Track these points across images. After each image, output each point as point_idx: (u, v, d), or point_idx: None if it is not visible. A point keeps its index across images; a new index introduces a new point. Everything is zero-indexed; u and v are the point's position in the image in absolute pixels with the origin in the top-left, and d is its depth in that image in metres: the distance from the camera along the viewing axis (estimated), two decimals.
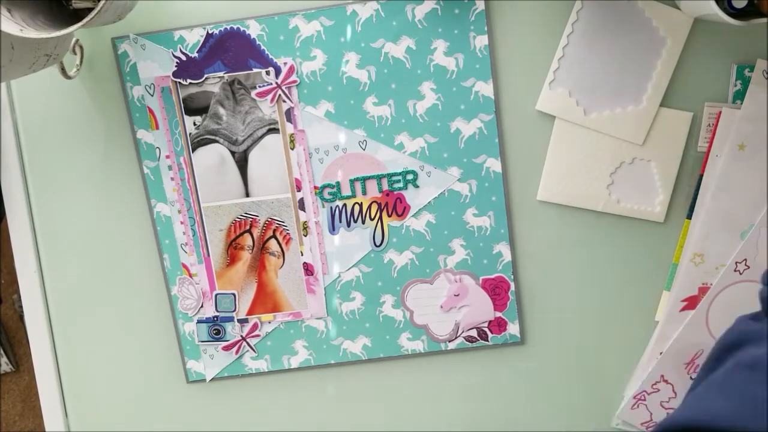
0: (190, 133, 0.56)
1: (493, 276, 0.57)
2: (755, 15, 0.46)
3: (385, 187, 0.56)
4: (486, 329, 0.57)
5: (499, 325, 0.57)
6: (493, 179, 0.55)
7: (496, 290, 0.57)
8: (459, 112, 0.55)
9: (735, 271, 0.54)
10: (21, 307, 1.36)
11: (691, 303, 0.55)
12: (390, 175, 0.56)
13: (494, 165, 0.55)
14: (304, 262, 0.57)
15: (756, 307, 0.43)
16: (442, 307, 0.57)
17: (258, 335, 0.58)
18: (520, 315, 0.57)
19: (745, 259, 0.53)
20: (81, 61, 0.55)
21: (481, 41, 0.54)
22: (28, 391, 1.43)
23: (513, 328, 0.57)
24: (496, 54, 0.54)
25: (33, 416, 1.43)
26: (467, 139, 0.55)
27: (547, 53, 0.54)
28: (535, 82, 0.54)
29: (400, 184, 0.56)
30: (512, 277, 0.57)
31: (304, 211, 0.57)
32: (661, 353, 0.56)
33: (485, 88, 0.54)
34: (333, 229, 0.57)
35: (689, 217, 0.55)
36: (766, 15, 0.45)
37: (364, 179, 0.56)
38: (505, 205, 0.56)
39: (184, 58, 0.55)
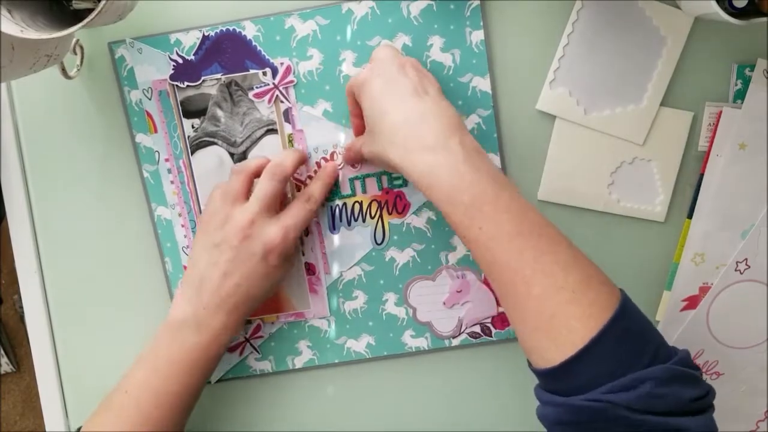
0: (188, 136, 0.56)
1: None
2: (755, 14, 0.46)
3: (385, 184, 0.56)
4: (489, 325, 0.57)
5: (502, 320, 0.57)
6: None
7: None
8: (457, 108, 0.55)
9: (736, 270, 0.54)
10: (21, 307, 1.36)
11: (691, 303, 0.55)
12: (390, 173, 0.56)
13: (494, 160, 0.55)
14: (306, 262, 0.57)
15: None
16: (444, 303, 0.57)
17: (261, 336, 0.58)
18: None
19: (746, 259, 0.54)
20: (81, 62, 0.55)
21: (477, 36, 0.54)
22: (29, 392, 1.44)
23: None
24: (492, 50, 0.54)
25: (33, 416, 1.44)
26: None
27: (548, 53, 0.54)
28: (535, 82, 0.54)
29: (400, 182, 0.56)
30: None
31: None
32: None
33: (482, 83, 0.54)
34: (334, 229, 0.57)
35: (690, 216, 0.55)
36: (766, 14, 0.45)
37: (363, 177, 0.56)
38: None
39: (180, 61, 0.55)
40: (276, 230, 0.50)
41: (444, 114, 0.45)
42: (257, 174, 0.52)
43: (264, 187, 0.50)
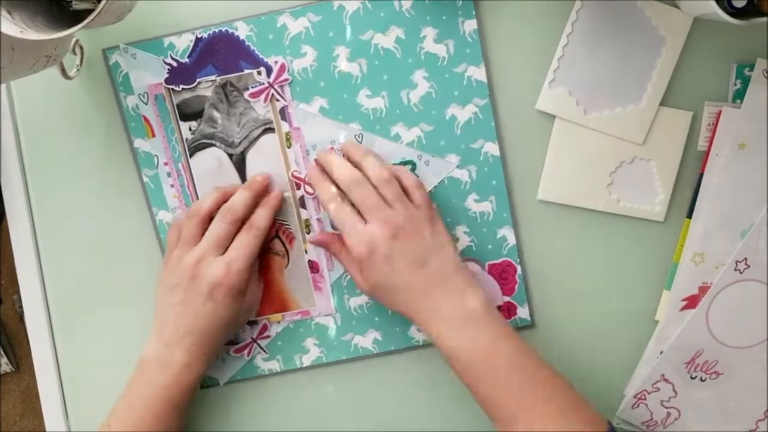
0: (186, 139, 0.56)
1: (498, 260, 0.56)
2: (755, 14, 0.46)
3: None
4: None
5: (508, 310, 0.57)
6: (492, 163, 0.55)
7: (503, 275, 0.56)
8: (453, 99, 0.55)
9: (735, 270, 0.54)
10: (21, 307, 1.36)
11: (691, 302, 0.55)
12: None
13: (492, 149, 0.55)
14: (309, 260, 0.57)
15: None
16: None
17: (268, 336, 0.58)
18: (529, 297, 0.57)
19: (746, 258, 0.53)
20: (81, 62, 0.55)
21: (470, 25, 0.54)
22: (29, 392, 1.43)
23: (523, 312, 0.57)
24: (492, 49, 0.54)
25: (33, 417, 1.43)
26: (463, 125, 0.55)
27: (547, 52, 0.54)
28: (534, 82, 0.54)
29: None
30: (518, 260, 0.56)
31: (306, 208, 0.57)
32: (661, 352, 0.56)
33: (477, 73, 0.54)
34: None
35: (689, 216, 0.55)
36: (765, 14, 0.45)
37: None
38: (505, 188, 0.56)
39: (175, 64, 0.55)
40: (219, 266, 0.52)
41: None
42: (211, 214, 0.54)
43: (214, 229, 0.53)
